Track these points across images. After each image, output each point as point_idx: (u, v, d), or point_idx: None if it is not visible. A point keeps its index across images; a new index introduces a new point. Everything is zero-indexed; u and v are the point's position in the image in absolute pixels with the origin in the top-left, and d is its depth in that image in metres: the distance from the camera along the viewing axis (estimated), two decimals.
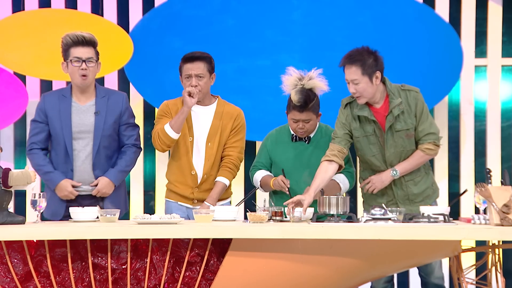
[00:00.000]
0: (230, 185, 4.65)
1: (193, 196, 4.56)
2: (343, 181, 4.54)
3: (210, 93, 4.60)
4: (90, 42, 4.32)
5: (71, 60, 4.30)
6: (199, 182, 4.56)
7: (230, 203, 4.70)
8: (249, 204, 4.85)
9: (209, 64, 4.50)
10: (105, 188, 4.35)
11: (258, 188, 4.59)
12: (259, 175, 4.60)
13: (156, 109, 5.87)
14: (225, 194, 4.63)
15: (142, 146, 5.89)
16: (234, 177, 4.61)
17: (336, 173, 4.47)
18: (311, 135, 4.55)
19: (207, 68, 4.49)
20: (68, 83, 5.82)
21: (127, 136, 4.46)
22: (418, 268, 4.68)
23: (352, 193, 5.63)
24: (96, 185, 4.36)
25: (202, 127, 4.54)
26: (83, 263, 3.78)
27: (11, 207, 3.93)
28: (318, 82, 4.45)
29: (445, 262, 5.61)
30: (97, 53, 4.37)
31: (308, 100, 4.39)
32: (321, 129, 4.58)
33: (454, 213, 5.48)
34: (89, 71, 4.31)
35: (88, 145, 4.38)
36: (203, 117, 4.55)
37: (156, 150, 5.89)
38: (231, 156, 4.55)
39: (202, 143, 4.54)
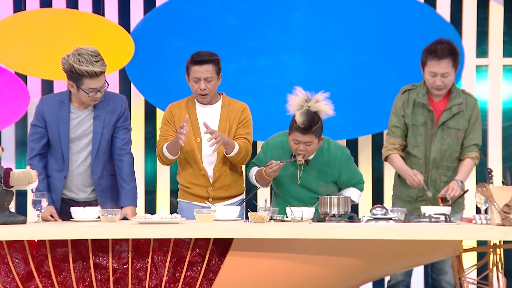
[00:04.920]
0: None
1: (208, 195, 4.56)
2: (357, 198, 4.59)
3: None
4: (103, 72, 4.21)
5: (86, 92, 4.20)
6: (211, 181, 4.56)
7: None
8: (251, 204, 4.85)
9: (217, 66, 4.49)
10: (132, 215, 4.32)
11: (259, 188, 4.58)
12: (253, 170, 4.61)
13: (158, 109, 5.90)
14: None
15: (143, 145, 5.96)
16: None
17: (349, 187, 4.55)
18: (310, 158, 4.49)
19: (216, 70, 4.49)
20: None
21: (121, 139, 4.40)
22: (430, 269, 4.70)
23: None
24: (123, 217, 4.31)
25: (210, 125, 4.53)
26: (84, 263, 3.78)
27: (12, 207, 3.93)
28: (324, 106, 4.37)
29: None
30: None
31: (312, 123, 4.32)
32: (322, 149, 4.49)
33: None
34: (101, 95, 4.27)
35: (85, 150, 4.36)
36: (209, 117, 4.54)
37: None
38: (240, 142, 4.54)
39: (209, 146, 4.54)
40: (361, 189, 4.61)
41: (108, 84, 4.29)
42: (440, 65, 4.42)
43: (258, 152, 4.77)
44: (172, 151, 4.48)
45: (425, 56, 4.47)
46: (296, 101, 4.38)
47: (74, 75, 4.18)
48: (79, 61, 4.15)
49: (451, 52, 4.43)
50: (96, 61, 4.16)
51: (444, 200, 4.40)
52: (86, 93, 4.21)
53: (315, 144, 4.39)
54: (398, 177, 4.73)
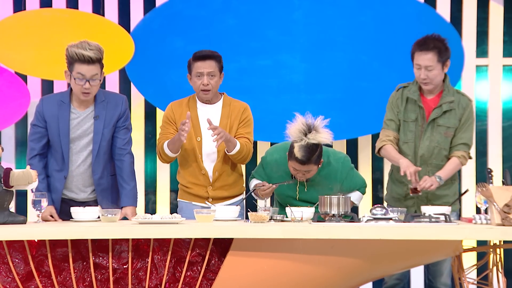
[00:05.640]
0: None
1: (208, 195, 4.56)
2: (358, 200, 4.59)
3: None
4: (96, 61, 4.22)
5: (74, 78, 4.22)
6: (211, 180, 4.56)
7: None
8: (251, 204, 4.85)
9: (219, 63, 4.52)
10: (132, 215, 4.31)
11: (259, 187, 4.58)
12: (253, 184, 4.61)
13: (158, 109, 5.90)
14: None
15: (143, 145, 5.96)
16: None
17: (352, 192, 4.54)
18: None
19: (218, 67, 4.51)
20: (69, 84, 5.84)
21: (121, 138, 4.40)
22: (426, 270, 4.69)
23: None
24: (123, 217, 4.32)
25: None
26: (84, 263, 3.78)
27: (12, 207, 3.93)
28: (323, 137, 4.31)
29: None
30: (102, 66, 4.28)
31: (311, 155, 4.29)
32: (322, 166, 4.47)
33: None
34: (91, 88, 4.25)
35: (86, 150, 4.35)
36: (210, 116, 4.53)
37: None
38: (242, 141, 4.54)
39: (212, 142, 4.54)
40: (363, 192, 4.62)
41: (101, 80, 4.29)
42: (424, 57, 4.43)
43: (258, 159, 4.76)
44: (173, 149, 4.48)
45: (413, 49, 4.51)
46: (295, 131, 4.32)
47: (68, 60, 4.24)
48: (75, 45, 4.21)
49: (436, 46, 4.44)
50: (90, 48, 4.20)
51: (414, 191, 4.39)
52: (75, 81, 4.21)
53: (314, 170, 4.39)
54: (390, 175, 4.74)
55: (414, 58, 4.49)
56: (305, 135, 4.29)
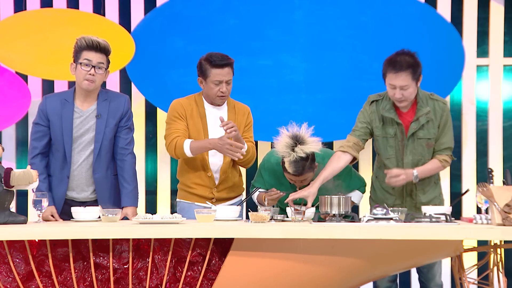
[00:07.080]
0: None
1: (213, 196, 4.56)
2: (358, 199, 4.60)
3: None
4: (104, 49, 4.29)
5: (80, 63, 4.26)
6: (217, 182, 4.56)
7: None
8: (251, 204, 4.85)
9: (233, 68, 4.53)
10: (133, 215, 4.32)
11: (259, 188, 4.58)
12: (256, 192, 4.61)
13: (158, 109, 5.90)
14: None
15: (143, 145, 5.96)
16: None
17: (352, 191, 4.55)
18: None
19: (232, 72, 4.52)
20: (70, 83, 5.85)
21: (123, 138, 4.40)
22: (418, 273, 4.69)
23: None
24: (124, 217, 4.33)
25: (217, 127, 4.49)
26: (85, 263, 3.78)
27: (13, 207, 3.93)
28: (310, 148, 4.32)
29: (446, 267, 5.61)
30: (108, 61, 4.33)
31: (303, 168, 4.32)
32: (319, 168, 4.46)
33: (456, 213, 5.49)
34: (96, 77, 4.27)
35: (88, 149, 4.35)
36: (217, 117, 4.53)
37: (158, 150, 5.93)
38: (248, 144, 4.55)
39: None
40: (363, 191, 4.62)
41: (106, 76, 4.32)
42: (399, 78, 4.28)
43: (258, 160, 4.76)
44: (196, 152, 4.44)
45: (385, 68, 4.35)
46: (282, 147, 4.33)
47: (76, 50, 4.29)
48: (85, 36, 4.30)
49: (410, 64, 4.29)
50: (100, 40, 4.29)
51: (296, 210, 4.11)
52: (81, 68, 4.23)
53: (310, 176, 4.40)
54: (375, 180, 4.68)
55: (386, 77, 4.34)
56: (293, 149, 4.29)
